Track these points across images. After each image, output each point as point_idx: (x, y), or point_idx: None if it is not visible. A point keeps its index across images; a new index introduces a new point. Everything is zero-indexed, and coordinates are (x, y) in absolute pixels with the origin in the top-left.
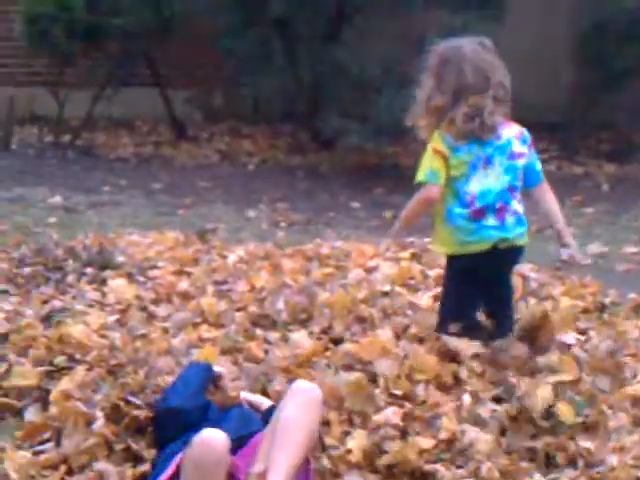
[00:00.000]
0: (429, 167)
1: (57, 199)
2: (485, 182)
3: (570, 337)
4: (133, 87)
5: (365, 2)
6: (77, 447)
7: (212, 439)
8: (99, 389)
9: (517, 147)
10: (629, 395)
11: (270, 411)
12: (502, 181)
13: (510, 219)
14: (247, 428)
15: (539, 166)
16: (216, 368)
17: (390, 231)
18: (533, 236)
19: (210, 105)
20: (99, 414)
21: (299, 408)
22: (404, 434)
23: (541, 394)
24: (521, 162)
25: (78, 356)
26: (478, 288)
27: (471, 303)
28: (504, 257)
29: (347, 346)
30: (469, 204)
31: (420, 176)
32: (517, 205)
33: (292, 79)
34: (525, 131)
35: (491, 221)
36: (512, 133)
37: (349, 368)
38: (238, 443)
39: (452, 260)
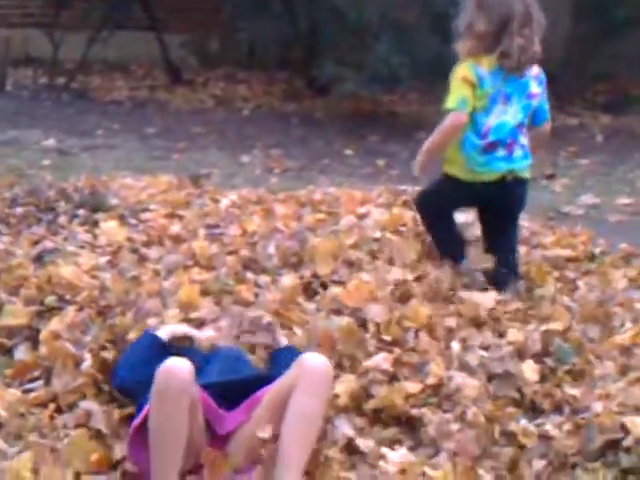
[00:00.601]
0: (459, 95)
1: (51, 142)
2: (503, 117)
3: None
4: (128, 30)
5: None
6: (66, 386)
7: (173, 366)
8: (88, 330)
9: (534, 88)
10: (617, 344)
11: (275, 356)
12: (516, 118)
13: (518, 152)
14: (236, 372)
15: (547, 106)
16: (182, 329)
17: (416, 165)
18: None
19: (206, 50)
20: (87, 355)
21: (315, 398)
22: (392, 379)
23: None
24: (535, 102)
25: (68, 296)
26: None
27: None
28: (510, 189)
29: (335, 290)
30: (484, 136)
31: (451, 103)
32: (524, 139)
33: (289, 25)
34: (542, 72)
35: (501, 152)
36: (532, 73)
37: (338, 312)
38: (225, 388)
39: (460, 183)
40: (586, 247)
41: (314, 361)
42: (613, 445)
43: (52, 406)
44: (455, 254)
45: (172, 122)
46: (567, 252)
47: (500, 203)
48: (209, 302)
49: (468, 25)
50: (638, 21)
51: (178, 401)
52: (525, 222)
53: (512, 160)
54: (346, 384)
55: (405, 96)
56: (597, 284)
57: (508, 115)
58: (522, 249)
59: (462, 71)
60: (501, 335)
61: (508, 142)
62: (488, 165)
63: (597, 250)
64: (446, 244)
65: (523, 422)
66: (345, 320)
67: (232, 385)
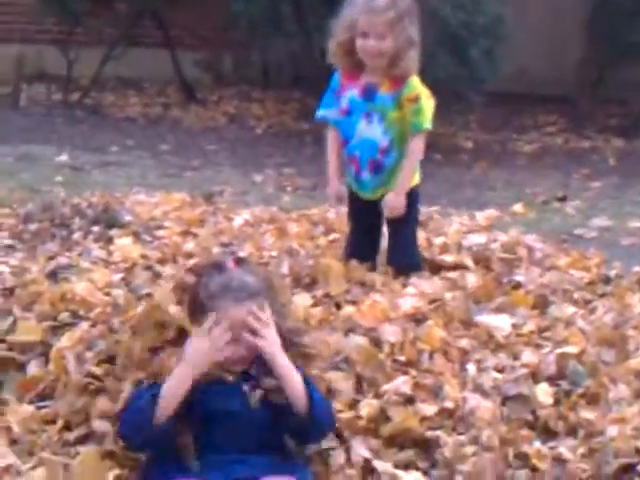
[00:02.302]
0: (431, 113)
1: (64, 158)
2: None
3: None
4: (143, 48)
5: None
6: (71, 406)
7: None
8: (94, 347)
9: None
10: (632, 368)
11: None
12: None
13: None
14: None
15: None
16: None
17: (402, 201)
18: (539, 207)
19: (219, 68)
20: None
21: None
22: (408, 401)
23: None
24: None
25: (82, 313)
26: None
27: None
28: None
29: (349, 310)
30: None
31: (429, 123)
32: None
33: (302, 44)
34: None
35: None
36: None
37: (352, 332)
38: None
39: (415, 190)
40: (600, 270)
41: None
42: (628, 469)
43: (60, 423)
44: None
45: (185, 140)
46: (582, 274)
47: None
48: None
49: (411, 37)
50: None
51: None
52: (538, 244)
53: None
54: (367, 407)
55: None
56: (613, 307)
57: None
58: (536, 271)
59: (424, 88)
60: (515, 358)
61: None
62: None
63: (612, 273)
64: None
65: (537, 445)
66: (363, 341)
67: None
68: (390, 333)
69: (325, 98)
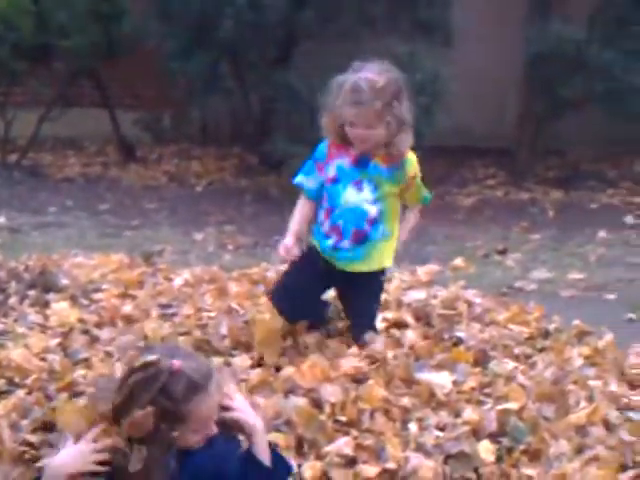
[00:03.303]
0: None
1: (2, 219)
2: None
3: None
4: (81, 107)
5: (315, 27)
6: (6, 476)
7: None
8: (28, 415)
9: None
10: (572, 423)
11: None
12: None
13: None
14: None
15: None
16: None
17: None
18: (479, 261)
19: (159, 127)
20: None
21: None
22: (350, 462)
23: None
24: None
25: (17, 380)
26: None
27: None
28: None
29: (289, 370)
30: None
31: (429, 193)
32: None
33: (241, 101)
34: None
35: None
36: None
37: (292, 393)
38: None
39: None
40: (539, 324)
41: None
42: None
43: None
44: None
45: (125, 199)
46: (521, 329)
47: None
48: None
49: (401, 121)
50: (582, 100)
51: None
52: (478, 299)
53: None
54: (310, 470)
55: None
56: (553, 362)
57: None
58: (476, 326)
59: (416, 166)
60: (457, 415)
61: None
62: None
63: (551, 327)
64: None
65: None
66: (303, 402)
67: None
68: (330, 393)
69: (306, 166)
